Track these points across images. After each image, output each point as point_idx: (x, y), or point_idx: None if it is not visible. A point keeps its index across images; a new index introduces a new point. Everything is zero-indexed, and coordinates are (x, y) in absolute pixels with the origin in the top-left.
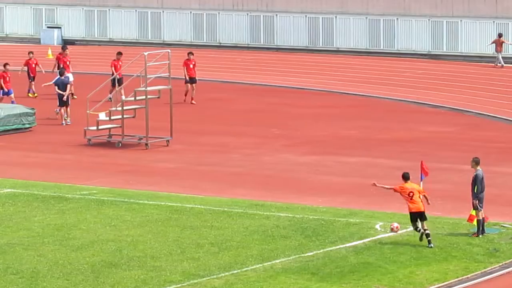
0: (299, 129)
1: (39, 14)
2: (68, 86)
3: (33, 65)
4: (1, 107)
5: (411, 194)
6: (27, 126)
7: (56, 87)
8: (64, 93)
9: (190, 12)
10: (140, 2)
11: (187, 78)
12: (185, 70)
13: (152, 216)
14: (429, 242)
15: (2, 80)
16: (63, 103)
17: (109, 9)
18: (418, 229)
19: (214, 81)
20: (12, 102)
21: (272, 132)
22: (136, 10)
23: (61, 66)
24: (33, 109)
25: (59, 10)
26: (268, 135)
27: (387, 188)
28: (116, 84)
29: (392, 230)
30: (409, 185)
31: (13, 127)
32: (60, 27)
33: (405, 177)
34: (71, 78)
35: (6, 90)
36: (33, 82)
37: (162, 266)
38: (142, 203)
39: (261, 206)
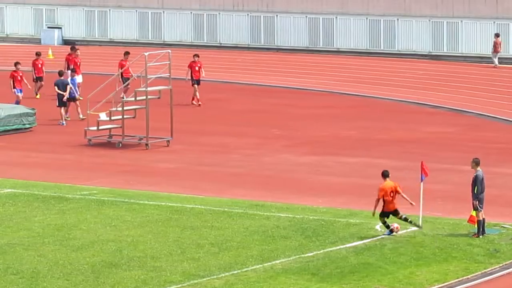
0: (299, 130)
1: (39, 14)
2: (68, 87)
3: (39, 66)
4: (1, 107)
5: (392, 193)
6: (28, 126)
7: (56, 87)
8: (64, 93)
9: (191, 13)
10: (140, 2)
11: (193, 79)
12: (190, 72)
13: (152, 217)
14: (410, 221)
15: (13, 80)
16: (62, 103)
17: (109, 10)
18: (386, 224)
19: (214, 82)
20: (16, 102)
21: (272, 132)
22: (136, 11)
23: (71, 66)
24: (33, 109)
25: (60, 10)
26: (268, 136)
27: (377, 203)
28: (117, 84)
29: (392, 231)
30: (388, 183)
31: (14, 127)
32: (60, 28)
33: (385, 175)
34: (79, 80)
35: (18, 89)
36: (40, 83)
37: (162, 266)
38: (143, 203)
39: (261, 206)
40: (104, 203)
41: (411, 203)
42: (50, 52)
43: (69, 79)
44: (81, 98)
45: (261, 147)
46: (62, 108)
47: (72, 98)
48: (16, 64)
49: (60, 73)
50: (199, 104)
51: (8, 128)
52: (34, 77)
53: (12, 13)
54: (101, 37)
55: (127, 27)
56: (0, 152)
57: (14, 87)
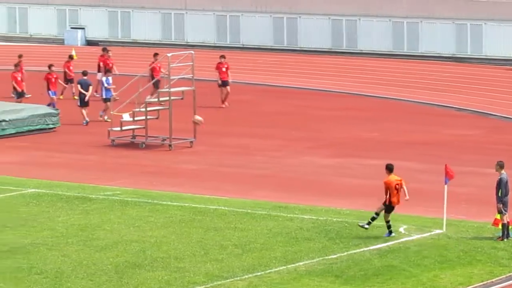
0: (322, 131)
1: (62, 15)
2: (90, 87)
3: (71, 68)
4: (25, 107)
5: (397, 186)
6: (51, 126)
7: (79, 86)
8: (86, 93)
9: (213, 14)
10: (163, 3)
11: (220, 81)
12: (218, 73)
13: (175, 217)
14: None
15: (47, 82)
16: (84, 103)
17: (132, 10)
18: (389, 222)
19: (237, 83)
20: (50, 104)
21: (294, 134)
22: (159, 11)
23: (105, 67)
24: (57, 109)
25: (83, 11)
26: (290, 137)
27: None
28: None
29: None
30: (393, 177)
31: (37, 127)
32: (83, 28)
33: (390, 169)
34: (111, 80)
35: (53, 91)
36: (71, 85)
37: (185, 267)
38: (166, 204)
39: (284, 208)
40: (128, 204)
41: (406, 197)
42: (73, 53)
43: (104, 79)
44: (117, 98)
45: (284, 149)
46: (84, 108)
47: (107, 99)
48: (50, 66)
49: (84, 73)
50: (223, 106)
51: (31, 128)
52: (67, 79)
53: (36, 14)
54: (124, 37)
55: (150, 28)
56: (24, 152)
57: (48, 89)
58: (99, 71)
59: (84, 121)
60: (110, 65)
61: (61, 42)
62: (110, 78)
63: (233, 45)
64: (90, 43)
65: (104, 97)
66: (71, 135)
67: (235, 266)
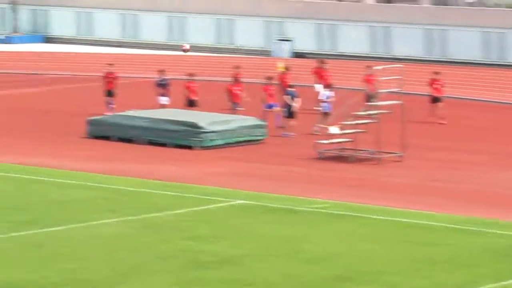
0: None
1: (269, 27)
2: (297, 99)
3: (286, 80)
4: (234, 118)
5: None
6: (259, 138)
7: (290, 97)
8: (294, 104)
9: (421, 27)
10: (370, 16)
11: (432, 97)
12: (430, 89)
13: (383, 231)
14: None
15: (265, 93)
16: (291, 114)
17: (338, 24)
18: None
19: (445, 97)
20: (277, 118)
21: (502, 149)
22: (366, 25)
23: (322, 80)
24: (265, 121)
25: (289, 23)
26: (502, 152)
27: None
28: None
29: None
30: None
31: (245, 138)
32: (291, 40)
33: None
34: (330, 93)
35: (270, 103)
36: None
37: (394, 281)
38: (374, 218)
39: (495, 224)
40: (334, 217)
41: None
42: (280, 65)
43: (323, 93)
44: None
45: (491, 164)
46: (290, 119)
47: (325, 113)
48: (268, 78)
49: (291, 85)
50: (439, 123)
51: (240, 139)
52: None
53: (243, 25)
54: (331, 50)
55: (357, 41)
56: (232, 163)
57: (265, 102)
58: (318, 83)
59: (291, 133)
60: (327, 78)
61: (267, 54)
62: (329, 92)
63: (441, 59)
64: (297, 55)
65: (323, 110)
66: (278, 147)
67: (445, 283)
